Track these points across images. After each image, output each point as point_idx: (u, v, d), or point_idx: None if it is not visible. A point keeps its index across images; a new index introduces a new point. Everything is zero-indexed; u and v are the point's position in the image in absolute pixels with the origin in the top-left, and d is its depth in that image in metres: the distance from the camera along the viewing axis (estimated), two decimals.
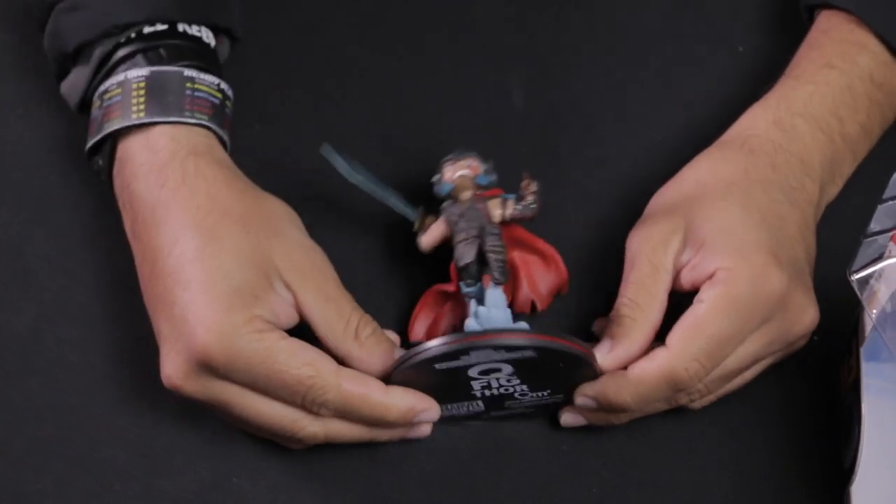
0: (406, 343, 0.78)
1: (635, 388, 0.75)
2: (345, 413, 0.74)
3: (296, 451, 0.78)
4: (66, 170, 0.86)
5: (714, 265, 0.75)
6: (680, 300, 0.77)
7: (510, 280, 0.79)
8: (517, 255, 0.81)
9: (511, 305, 0.79)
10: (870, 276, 0.74)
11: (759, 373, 0.79)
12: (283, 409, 0.74)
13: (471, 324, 0.76)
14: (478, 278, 0.78)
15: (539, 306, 0.81)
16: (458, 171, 0.80)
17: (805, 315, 0.77)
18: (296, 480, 0.77)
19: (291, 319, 0.75)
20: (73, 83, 0.82)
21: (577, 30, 0.94)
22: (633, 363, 0.75)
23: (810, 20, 0.88)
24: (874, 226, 0.74)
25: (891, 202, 0.74)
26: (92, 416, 0.79)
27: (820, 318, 0.78)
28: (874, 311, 0.74)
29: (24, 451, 0.78)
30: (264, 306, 0.74)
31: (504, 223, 0.79)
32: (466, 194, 0.79)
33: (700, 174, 0.80)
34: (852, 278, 0.74)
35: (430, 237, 0.79)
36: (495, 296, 0.77)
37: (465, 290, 0.78)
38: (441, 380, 0.75)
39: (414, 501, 0.77)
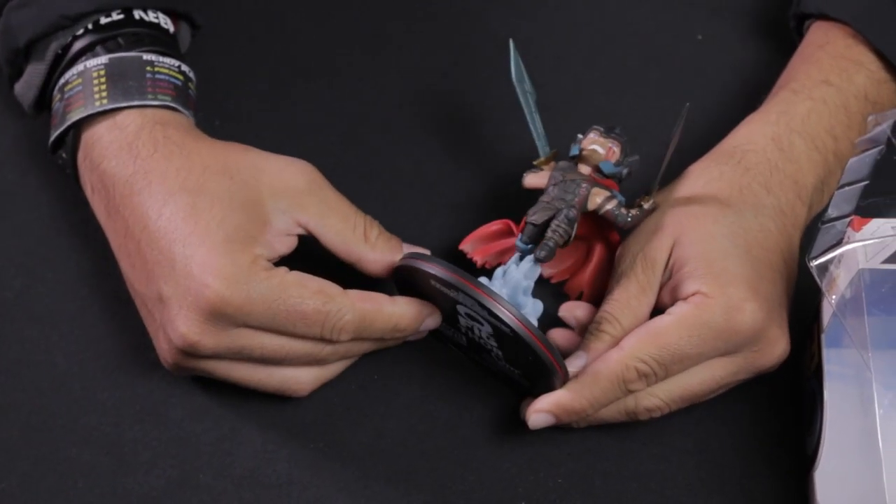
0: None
1: (590, 390, 0.75)
2: (363, 331, 0.75)
3: (262, 447, 0.77)
4: (25, 168, 0.86)
5: (693, 288, 0.76)
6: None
7: (577, 261, 0.82)
8: (600, 246, 0.82)
9: (562, 283, 0.81)
10: (829, 262, 0.74)
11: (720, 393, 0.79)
12: (300, 342, 0.75)
13: (497, 273, 0.78)
14: (535, 241, 0.78)
15: (585, 297, 0.82)
16: (593, 144, 0.80)
17: (775, 349, 0.77)
18: (261, 476, 0.77)
19: (288, 248, 0.77)
20: (27, 82, 0.82)
21: (538, 22, 0.94)
22: (588, 366, 0.76)
23: (798, 28, 0.89)
24: (832, 212, 0.75)
25: (848, 188, 0.75)
26: (56, 415, 0.78)
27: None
28: (834, 297, 0.74)
29: None
30: (263, 245, 0.75)
31: (598, 215, 0.79)
32: (584, 169, 0.80)
33: (694, 189, 0.80)
34: (811, 265, 0.74)
35: (534, 179, 0.81)
36: (529, 267, 0.78)
37: (518, 243, 0.79)
38: (435, 295, 0.76)
39: (379, 495, 0.77)
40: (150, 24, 0.81)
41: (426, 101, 0.91)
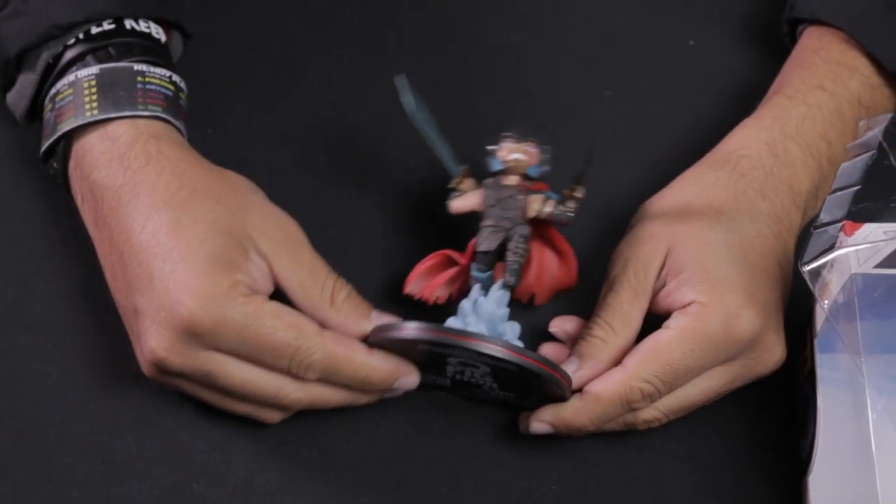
0: (393, 300, 0.79)
1: (592, 409, 0.75)
2: (330, 374, 0.74)
3: (256, 456, 0.77)
4: (18, 178, 0.86)
5: (689, 297, 0.75)
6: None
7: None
8: (535, 246, 0.80)
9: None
10: (821, 267, 0.74)
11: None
12: (268, 376, 0.74)
13: (465, 307, 0.76)
14: (491, 267, 0.78)
15: (537, 300, 0.81)
16: (513, 153, 0.79)
17: (772, 355, 0.77)
18: (255, 485, 0.77)
19: (267, 288, 0.76)
20: (19, 92, 0.82)
21: (530, 30, 0.94)
22: (590, 384, 0.75)
23: (791, 33, 0.89)
24: (824, 217, 0.75)
25: (839, 193, 0.75)
26: (49, 424, 0.78)
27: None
28: (826, 302, 0.74)
29: None
30: (244, 273, 0.74)
31: (537, 219, 0.79)
32: (512, 180, 0.79)
33: (689, 195, 0.80)
34: (804, 270, 0.74)
35: (461, 204, 0.79)
36: (500, 295, 0.77)
37: (476, 273, 0.78)
38: (418, 353, 0.75)
39: (373, 503, 0.77)
40: (142, 34, 0.81)
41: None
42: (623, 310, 0.77)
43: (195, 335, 0.72)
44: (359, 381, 0.75)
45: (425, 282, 0.80)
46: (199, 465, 0.77)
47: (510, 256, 0.77)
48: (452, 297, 0.81)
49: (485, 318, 0.76)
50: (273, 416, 0.77)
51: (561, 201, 0.78)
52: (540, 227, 0.80)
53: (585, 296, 0.80)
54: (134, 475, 0.77)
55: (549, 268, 0.81)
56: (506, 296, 0.77)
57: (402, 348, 0.75)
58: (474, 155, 0.80)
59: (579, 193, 0.78)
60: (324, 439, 0.78)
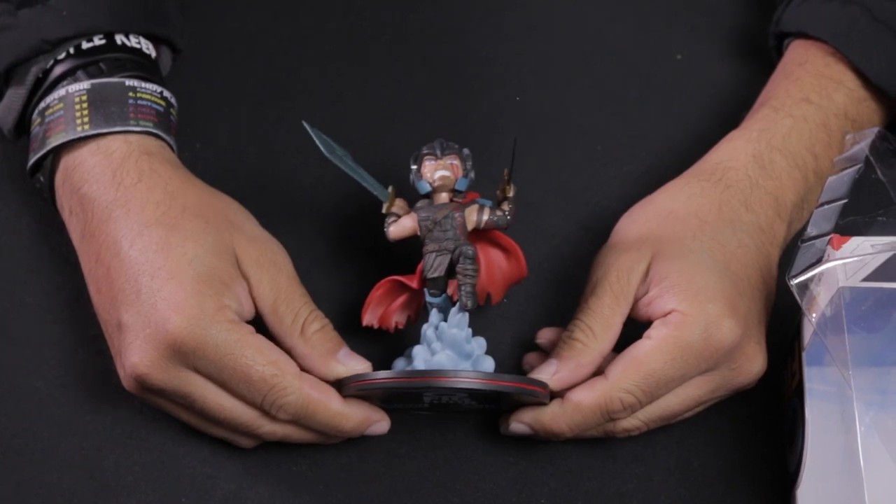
0: (354, 331, 0.78)
1: (571, 416, 0.75)
2: (302, 418, 0.74)
3: (244, 469, 0.77)
4: (6, 192, 0.86)
5: (670, 306, 0.75)
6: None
7: None
8: (480, 247, 0.79)
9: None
10: (809, 280, 0.74)
11: (700, 411, 0.79)
12: (242, 407, 0.74)
13: (429, 335, 0.76)
14: (444, 289, 0.77)
15: (494, 299, 0.81)
16: (438, 171, 0.78)
17: (753, 365, 0.77)
18: (243, 499, 0.77)
19: (251, 311, 0.76)
20: (7, 106, 0.81)
21: (517, 43, 0.94)
22: (571, 391, 0.76)
23: (777, 47, 0.89)
24: (811, 230, 0.75)
25: (827, 206, 0.75)
26: (38, 439, 0.78)
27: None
28: (814, 315, 0.74)
29: None
30: (232, 296, 0.74)
31: (476, 229, 0.78)
32: (444, 198, 0.78)
33: (675, 204, 0.80)
34: (791, 283, 0.74)
35: (398, 230, 0.78)
36: (459, 318, 0.77)
37: (430, 299, 0.78)
38: (393, 393, 0.75)
39: None
40: (132, 49, 0.81)
41: (408, 120, 0.91)
42: (604, 314, 0.77)
43: (178, 353, 0.72)
44: (331, 427, 0.75)
45: (380, 310, 0.79)
46: (187, 479, 0.77)
47: (461, 279, 0.76)
48: (411, 319, 0.80)
49: (450, 344, 0.76)
50: (247, 443, 0.77)
51: (495, 206, 0.78)
52: (476, 233, 0.79)
53: (574, 308, 0.80)
54: (122, 490, 0.77)
55: (498, 265, 0.80)
56: (466, 317, 0.77)
57: (375, 394, 0.75)
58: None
59: (511, 193, 0.78)
60: (312, 452, 0.78)
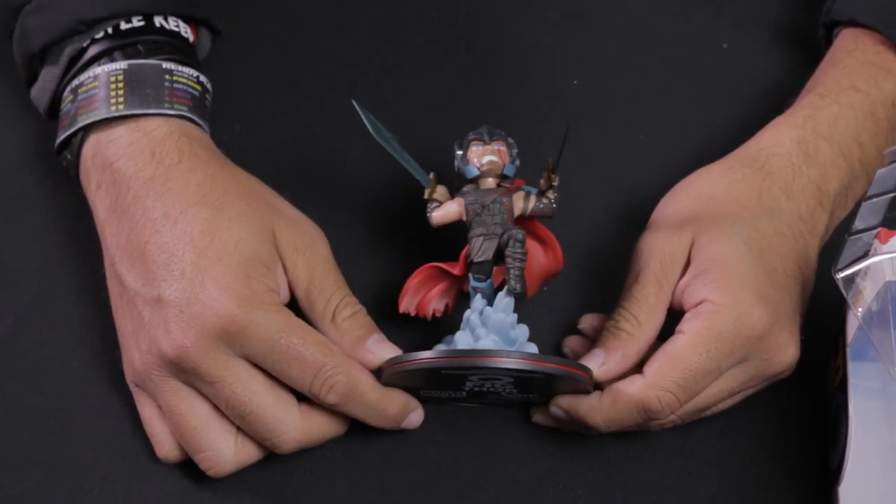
0: (391, 318, 0.78)
1: (608, 412, 0.75)
2: (350, 400, 0.74)
3: (278, 455, 0.77)
4: (43, 172, 0.86)
5: (702, 295, 0.75)
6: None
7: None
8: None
9: (501, 286, 0.77)
10: (855, 274, 0.73)
11: (735, 403, 0.78)
12: (276, 399, 0.73)
13: (473, 320, 0.75)
14: (489, 275, 0.77)
15: (528, 291, 0.80)
16: (486, 156, 0.77)
17: (784, 355, 0.76)
18: (276, 484, 0.77)
19: (287, 295, 0.76)
20: (42, 86, 0.81)
21: (560, 31, 0.94)
22: (610, 387, 0.75)
23: (827, 36, 0.88)
24: (858, 224, 0.74)
25: (875, 200, 0.74)
26: (73, 420, 0.78)
27: (807, 319, 0.77)
28: (860, 309, 0.73)
29: (4, 455, 0.77)
30: (273, 280, 0.74)
31: (521, 216, 0.77)
32: (491, 183, 0.77)
33: (715, 189, 0.79)
34: (837, 277, 0.73)
35: (442, 215, 0.77)
36: (507, 302, 0.76)
37: (475, 283, 0.77)
38: (433, 378, 0.74)
39: None
40: (171, 33, 0.81)
41: (448, 105, 0.90)
42: (649, 302, 0.76)
43: (226, 333, 0.72)
44: (375, 412, 0.75)
45: (417, 297, 0.79)
46: None
47: (511, 263, 0.75)
48: (449, 307, 0.80)
49: (495, 329, 0.75)
50: (219, 468, 0.75)
51: (540, 194, 0.77)
52: (519, 221, 0.79)
53: (614, 299, 0.80)
54: (156, 472, 0.77)
55: (536, 258, 0.80)
56: (512, 302, 0.76)
57: (416, 377, 0.74)
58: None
59: (556, 182, 0.77)
60: (347, 440, 0.78)
